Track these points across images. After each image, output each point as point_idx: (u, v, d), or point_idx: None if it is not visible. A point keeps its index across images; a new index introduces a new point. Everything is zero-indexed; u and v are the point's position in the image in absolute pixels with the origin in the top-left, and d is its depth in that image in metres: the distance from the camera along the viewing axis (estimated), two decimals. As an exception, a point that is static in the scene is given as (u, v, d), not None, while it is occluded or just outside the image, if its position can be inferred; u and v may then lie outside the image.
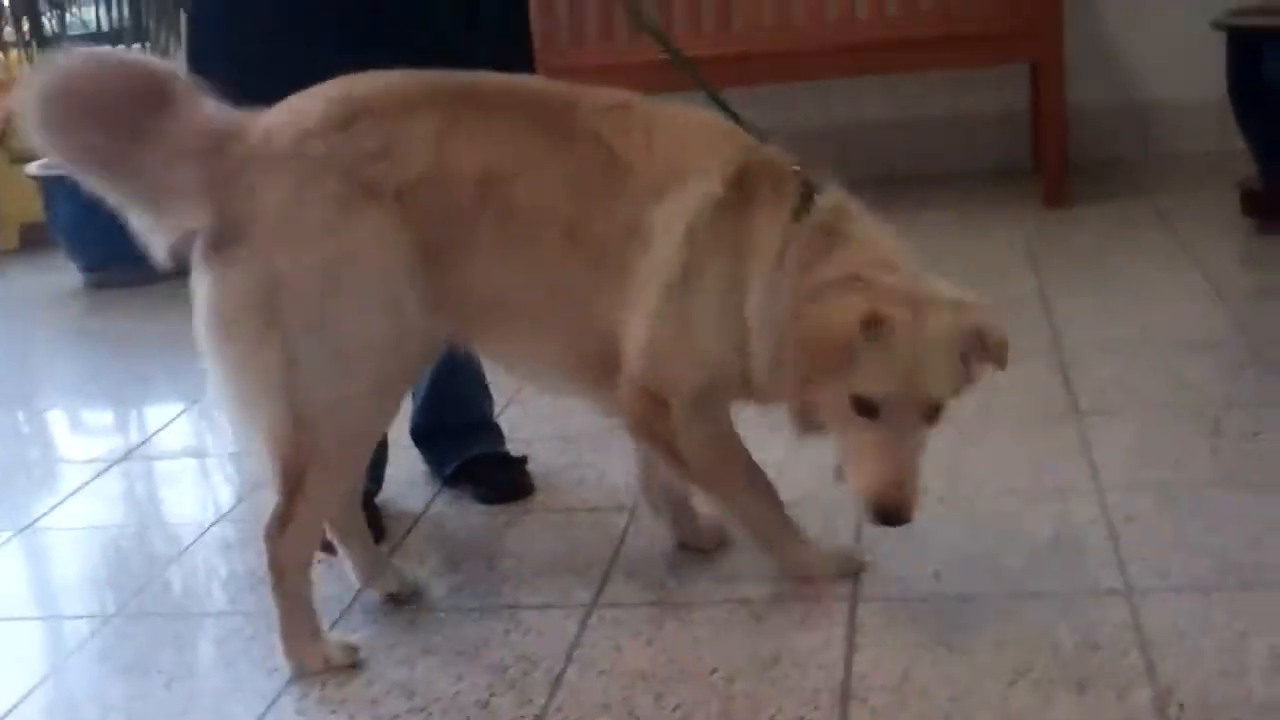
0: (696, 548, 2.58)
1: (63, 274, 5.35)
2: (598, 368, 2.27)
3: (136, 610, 2.60)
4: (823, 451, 2.89)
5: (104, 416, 3.96)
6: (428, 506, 2.90)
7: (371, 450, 2.34)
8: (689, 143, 2.25)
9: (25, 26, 4.93)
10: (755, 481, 2.41)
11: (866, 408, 2.12)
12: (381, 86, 2.22)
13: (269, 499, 2.26)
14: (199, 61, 2.62)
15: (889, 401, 2.11)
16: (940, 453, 2.85)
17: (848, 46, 4.96)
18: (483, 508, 2.87)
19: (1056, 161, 4.77)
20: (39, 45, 5.08)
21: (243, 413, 2.21)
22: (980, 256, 4.30)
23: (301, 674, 2.27)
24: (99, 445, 3.61)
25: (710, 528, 2.58)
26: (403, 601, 2.49)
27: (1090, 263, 4.20)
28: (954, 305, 2.16)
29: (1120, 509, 2.56)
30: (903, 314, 2.10)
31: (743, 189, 2.23)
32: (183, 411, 3.69)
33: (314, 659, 2.27)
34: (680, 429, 2.29)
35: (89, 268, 5.22)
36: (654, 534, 2.61)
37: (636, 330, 2.22)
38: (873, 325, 2.07)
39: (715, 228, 2.20)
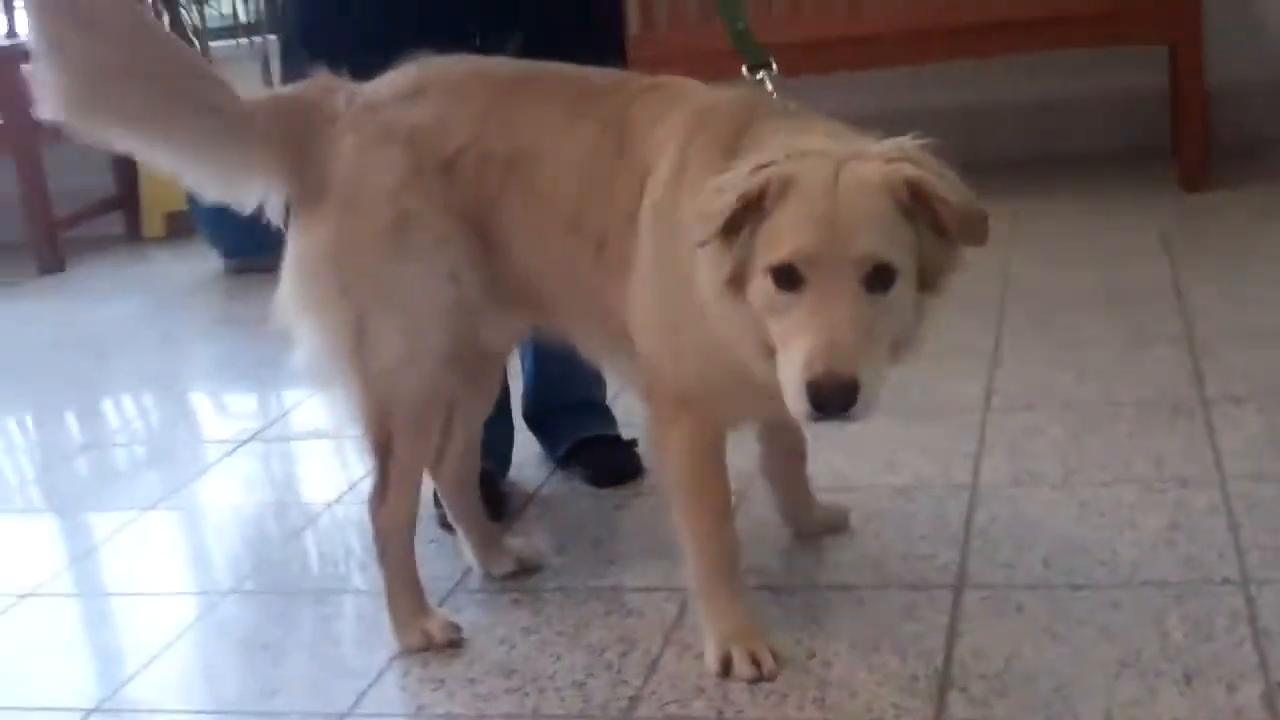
0: (812, 534, 2.53)
1: (205, 261, 5.50)
2: (629, 353, 2.18)
3: (253, 586, 2.67)
4: (935, 436, 2.89)
5: (238, 398, 4.06)
6: (539, 488, 2.92)
7: (443, 415, 2.33)
8: (674, 121, 2.08)
9: (166, 20, 5.07)
10: (718, 526, 2.17)
11: (788, 278, 1.79)
12: (448, 65, 2.28)
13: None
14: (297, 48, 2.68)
15: (809, 262, 1.78)
16: (1058, 439, 2.83)
17: (979, 26, 4.86)
18: (592, 489, 2.88)
19: (1195, 144, 4.63)
20: (181, 39, 5.21)
21: (326, 379, 2.29)
22: (1110, 241, 4.20)
23: (405, 649, 2.31)
24: (231, 426, 3.71)
25: (826, 514, 2.55)
26: (524, 576, 2.53)
27: (1228, 248, 4.06)
28: (885, 155, 1.85)
29: (1243, 498, 2.48)
30: (810, 166, 1.82)
31: (685, 156, 2.04)
32: (312, 394, 3.77)
33: (415, 635, 2.31)
34: (660, 431, 2.16)
35: (229, 254, 5.35)
36: (760, 518, 2.59)
37: (633, 326, 2.13)
38: (762, 174, 1.81)
39: (667, 208, 2.03)
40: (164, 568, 2.87)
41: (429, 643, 2.30)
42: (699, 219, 1.87)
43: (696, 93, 2.15)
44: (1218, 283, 3.70)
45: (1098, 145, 5.25)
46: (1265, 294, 3.58)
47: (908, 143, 1.89)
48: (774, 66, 2.20)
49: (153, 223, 6.20)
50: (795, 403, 1.78)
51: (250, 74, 5.09)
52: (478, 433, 2.54)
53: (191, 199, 5.46)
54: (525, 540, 2.64)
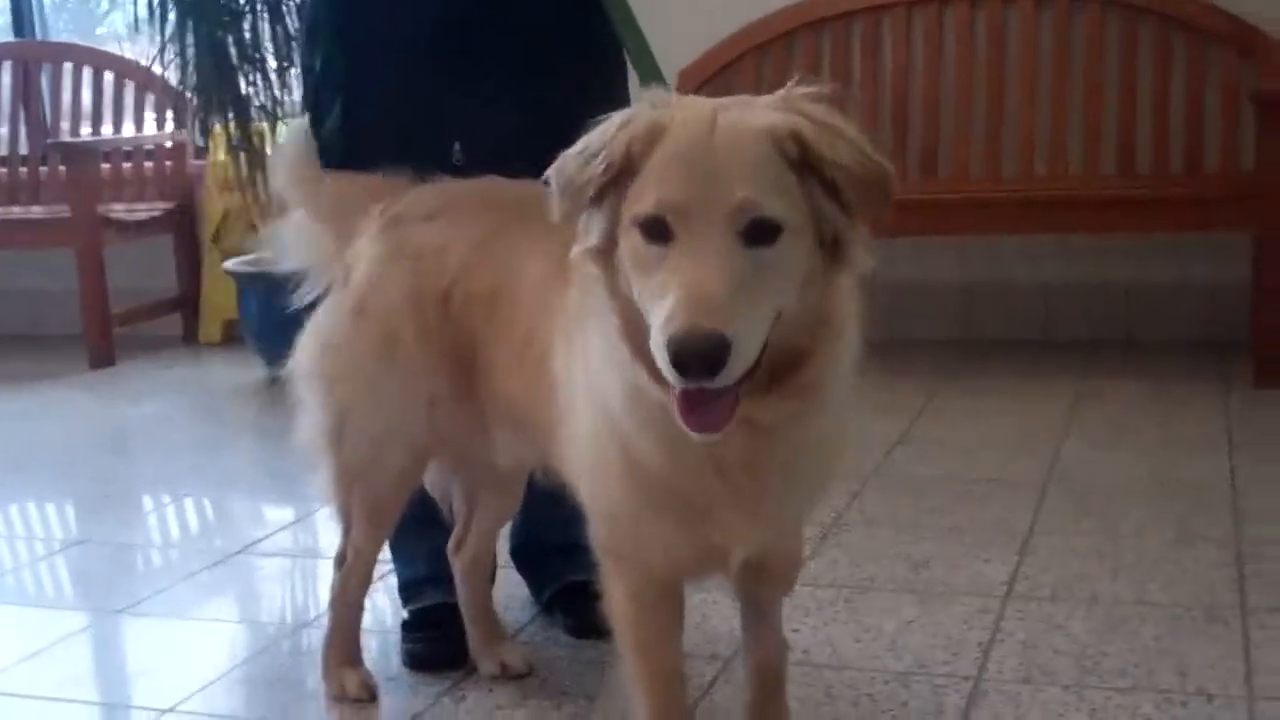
0: None
1: (252, 369, 5.43)
2: None
3: (195, 707, 2.51)
4: (946, 620, 2.68)
5: (235, 509, 3.94)
6: (518, 633, 2.74)
7: (402, 508, 2.42)
8: None
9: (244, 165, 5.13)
10: (663, 696, 2.00)
11: (655, 230, 1.58)
12: (466, 189, 2.31)
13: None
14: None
15: (677, 213, 1.56)
16: (1079, 635, 2.61)
17: (1058, 202, 4.72)
18: (572, 640, 2.70)
19: (1271, 338, 4.40)
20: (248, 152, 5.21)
21: (308, 454, 2.41)
22: (1171, 431, 3.96)
23: (327, 694, 2.46)
24: (218, 537, 3.60)
25: None
26: (511, 678, 2.55)
27: (1295, 450, 3.82)
28: (773, 106, 1.64)
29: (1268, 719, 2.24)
30: (683, 114, 1.62)
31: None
32: (312, 513, 3.64)
33: (334, 683, 2.48)
34: (605, 584, 2.02)
35: (271, 363, 5.28)
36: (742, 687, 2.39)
37: (561, 447, 2.00)
38: (625, 131, 1.63)
39: (573, 328, 1.91)
40: (112, 679, 2.72)
41: (342, 693, 2.47)
42: (562, 190, 1.67)
43: None
44: (1277, 484, 3.46)
45: (1173, 333, 5.04)
46: (1327, 500, 3.34)
47: (799, 91, 1.66)
48: None
49: (210, 328, 6.17)
50: (663, 366, 1.54)
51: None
52: (493, 537, 2.61)
53: (240, 306, 5.44)
54: (519, 649, 2.63)
